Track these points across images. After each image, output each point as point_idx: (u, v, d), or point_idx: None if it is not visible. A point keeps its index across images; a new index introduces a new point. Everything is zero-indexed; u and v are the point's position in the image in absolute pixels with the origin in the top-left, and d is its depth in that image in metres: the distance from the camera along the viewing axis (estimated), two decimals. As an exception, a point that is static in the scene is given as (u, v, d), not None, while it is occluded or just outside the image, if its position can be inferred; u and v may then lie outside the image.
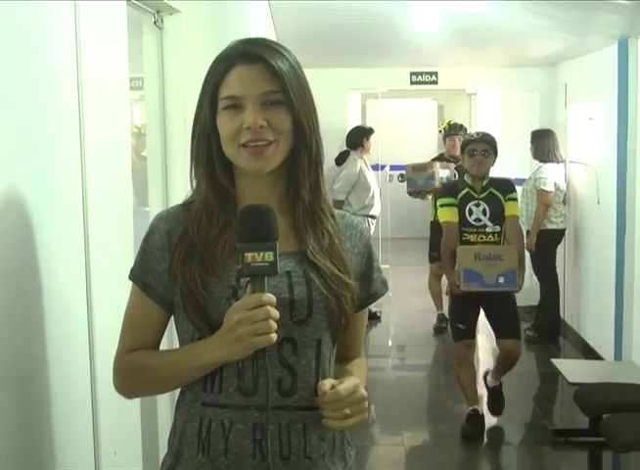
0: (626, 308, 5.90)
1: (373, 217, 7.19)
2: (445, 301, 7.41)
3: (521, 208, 6.26)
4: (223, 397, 1.56)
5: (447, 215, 4.94)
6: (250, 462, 1.54)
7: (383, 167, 10.64)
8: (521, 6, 5.71)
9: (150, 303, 1.62)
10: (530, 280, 7.05)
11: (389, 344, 7.41)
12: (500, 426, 5.21)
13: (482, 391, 5.25)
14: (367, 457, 4.83)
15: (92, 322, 1.97)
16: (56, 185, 1.78)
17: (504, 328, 4.89)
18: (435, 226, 6.91)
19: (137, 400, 2.32)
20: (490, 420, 5.13)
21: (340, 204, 6.98)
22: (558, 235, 7.01)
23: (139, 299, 1.64)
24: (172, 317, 1.66)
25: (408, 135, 12.04)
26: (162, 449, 1.69)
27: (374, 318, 7.59)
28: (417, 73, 9.36)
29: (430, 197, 7.34)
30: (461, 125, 7.77)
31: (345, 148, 7.46)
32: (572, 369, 5.20)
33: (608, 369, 5.61)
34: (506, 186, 4.97)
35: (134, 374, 1.63)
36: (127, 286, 1.67)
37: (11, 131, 1.54)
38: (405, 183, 7.46)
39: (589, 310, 6.84)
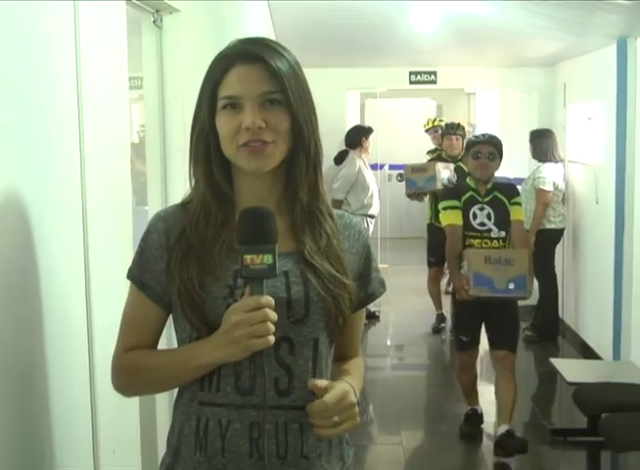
0: (625, 308, 5.90)
1: (372, 217, 7.19)
2: (445, 301, 7.43)
3: (519, 207, 6.25)
4: (220, 396, 1.56)
5: (451, 218, 4.73)
6: (246, 461, 1.55)
7: (381, 167, 10.64)
8: (520, 6, 5.71)
9: (148, 302, 1.62)
10: (529, 280, 7.05)
11: (388, 343, 7.41)
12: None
13: (482, 390, 5.24)
14: (365, 457, 4.83)
15: (91, 321, 1.97)
16: (55, 184, 1.78)
17: (498, 338, 4.73)
18: (433, 229, 6.87)
19: (136, 399, 2.32)
20: (488, 419, 5.13)
21: (338, 203, 6.97)
22: (557, 235, 7.02)
23: (137, 298, 1.64)
24: (171, 316, 1.66)
25: (407, 135, 12.03)
26: (161, 448, 1.69)
27: (373, 318, 7.59)
28: (416, 73, 9.36)
29: (426, 199, 7.27)
30: (458, 124, 7.48)
31: (344, 147, 7.46)
32: (571, 369, 5.20)
33: (606, 369, 5.61)
34: (510, 190, 4.81)
35: (132, 373, 1.64)
36: (126, 285, 1.67)
37: (10, 131, 1.54)
38: (404, 183, 7.32)
39: (588, 310, 6.85)
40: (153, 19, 2.97)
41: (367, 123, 9.00)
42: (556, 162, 7.02)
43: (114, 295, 1.97)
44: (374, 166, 8.53)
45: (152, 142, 3.12)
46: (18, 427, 1.56)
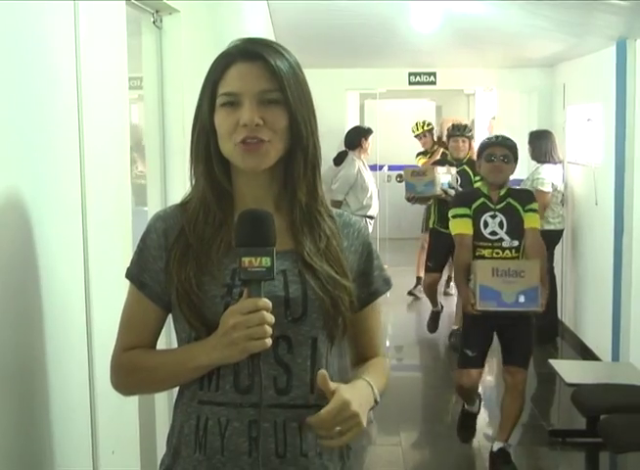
0: (624, 309, 5.91)
1: (371, 218, 7.18)
2: (445, 303, 7.37)
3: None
4: (220, 394, 1.57)
5: (461, 227, 4.42)
6: (245, 460, 1.55)
7: (381, 168, 10.66)
8: (519, 7, 5.71)
9: (146, 301, 1.63)
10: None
11: (387, 344, 7.40)
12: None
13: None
14: (365, 457, 4.83)
15: (90, 320, 1.97)
16: (55, 184, 1.79)
17: (512, 356, 4.43)
18: (436, 234, 6.77)
19: (135, 399, 2.32)
20: (485, 418, 5.13)
21: (338, 204, 6.96)
22: (556, 236, 7.01)
23: (136, 297, 1.64)
24: (170, 316, 1.66)
25: (406, 136, 12.00)
26: (160, 448, 1.69)
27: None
28: (415, 74, 9.38)
29: (430, 202, 7.13)
30: (465, 126, 7.20)
31: (344, 148, 7.45)
32: (570, 370, 5.20)
33: (605, 370, 5.62)
34: (526, 196, 4.51)
35: (131, 373, 1.64)
36: (125, 284, 1.67)
37: (10, 130, 1.54)
38: (404, 185, 7.20)
39: (587, 311, 6.85)
40: (152, 19, 2.98)
41: (366, 124, 8.99)
42: (555, 163, 7.02)
43: (113, 293, 1.97)
44: (373, 167, 8.53)
45: (151, 142, 3.12)
46: (17, 426, 1.56)
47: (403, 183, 7.28)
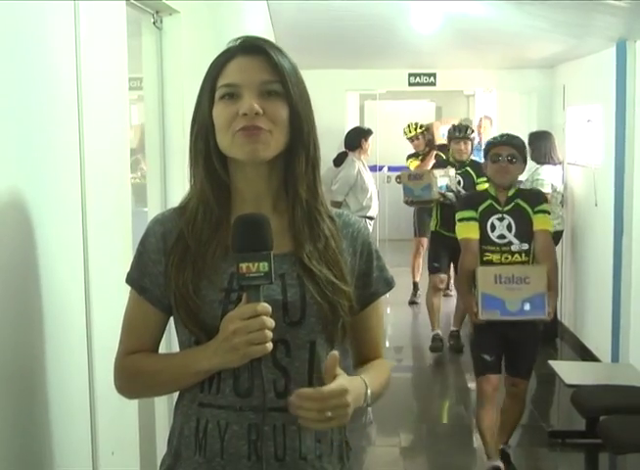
0: (624, 310, 5.90)
1: (371, 218, 7.17)
2: (444, 318, 7.22)
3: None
4: (220, 398, 1.56)
5: (466, 232, 4.20)
6: (245, 463, 1.55)
7: (381, 169, 10.67)
8: (519, 8, 5.71)
9: (147, 305, 1.62)
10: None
11: (387, 345, 7.40)
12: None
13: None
14: (364, 458, 4.83)
15: (90, 322, 1.97)
16: (55, 184, 1.78)
17: (516, 365, 4.26)
18: (438, 237, 6.70)
19: (135, 401, 2.32)
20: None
21: (338, 205, 6.95)
22: (555, 237, 6.99)
23: (136, 302, 1.64)
24: (171, 319, 1.66)
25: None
26: (160, 450, 1.69)
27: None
28: (415, 75, 9.38)
29: (432, 205, 6.93)
30: (467, 127, 6.98)
31: (344, 149, 7.45)
32: (570, 371, 5.20)
33: (605, 371, 5.62)
34: (536, 197, 4.30)
35: (133, 377, 1.64)
36: (126, 285, 1.67)
37: (11, 131, 1.54)
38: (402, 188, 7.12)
39: (587, 312, 6.85)
40: (153, 20, 2.98)
41: (366, 125, 8.98)
42: (554, 164, 7.01)
43: (113, 295, 1.97)
44: (373, 168, 8.54)
45: (151, 143, 3.12)
46: (16, 427, 1.55)
47: (401, 176, 7.23)
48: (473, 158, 6.95)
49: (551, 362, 5.52)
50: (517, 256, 4.12)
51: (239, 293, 1.51)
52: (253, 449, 1.54)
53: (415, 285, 8.49)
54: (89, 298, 1.97)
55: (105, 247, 2.09)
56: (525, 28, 6.57)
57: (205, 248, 1.58)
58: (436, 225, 6.79)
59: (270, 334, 1.46)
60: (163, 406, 2.92)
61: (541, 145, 7.03)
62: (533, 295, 3.99)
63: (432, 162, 8.16)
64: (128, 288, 1.65)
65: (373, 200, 7.21)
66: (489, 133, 8.53)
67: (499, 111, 9.56)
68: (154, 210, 2.99)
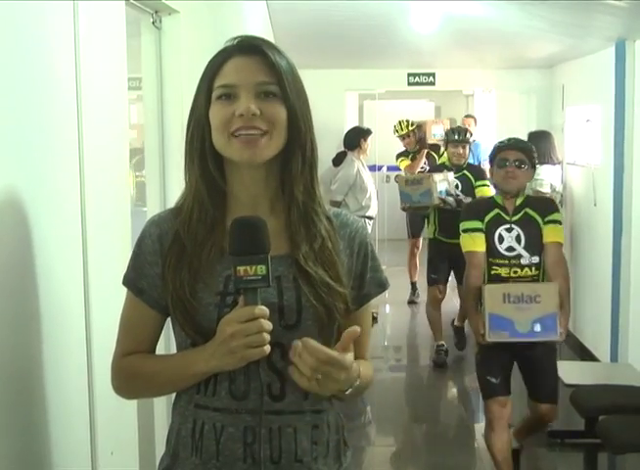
0: (622, 310, 5.91)
1: (370, 218, 7.17)
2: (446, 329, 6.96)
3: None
4: (216, 400, 1.56)
5: (472, 244, 3.91)
6: (240, 465, 1.55)
7: (380, 168, 10.65)
8: (518, 8, 5.72)
9: (144, 307, 1.62)
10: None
11: (385, 344, 7.41)
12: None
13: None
14: (363, 458, 4.83)
15: (90, 322, 1.97)
16: (54, 184, 1.78)
17: (539, 389, 3.94)
18: (435, 244, 6.41)
19: (134, 401, 2.32)
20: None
21: (337, 205, 6.94)
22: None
23: (133, 303, 1.64)
24: (169, 319, 1.66)
25: (405, 136, 12.03)
26: (159, 449, 1.69)
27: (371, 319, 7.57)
28: (414, 75, 9.38)
29: (429, 210, 6.58)
30: (465, 130, 6.56)
31: (343, 149, 7.46)
32: (569, 371, 5.19)
33: (604, 371, 5.62)
34: (546, 206, 3.98)
35: (130, 378, 1.64)
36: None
37: (10, 131, 1.54)
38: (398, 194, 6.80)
39: (585, 312, 6.85)
40: (152, 20, 2.98)
41: (365, 125, 8.98)
42: (554, 164, 7.02)
43: (112, 295, 1.96)
44: (372, 168, 8.51)
45: (150, 143, 3.12)
46: (16, 428, 1.55)
47: (397, 181, 6.97)
48: (469, 161, 6.64)
49: (550, 362, 5.51)
50: (526, 269, 3.85)
51: (234, 296, 1.51)
52: (249, 452, 1.54)
53: (413, 285, 8.49)
54: (88, 297, 1.97)
55: (104, 247, 2.09)
56: (524, 28, 6.58)
57: (200, 248, 1.57)
58: (434, 232, 6.44)
59: (268, 337, 1.46)
60: (162, 406, 2.92)
61: (540, 145, 7.01)
62: (544, 315, 3.71)
63: (422, 161, 8.11)
64: (126, 290, 1.65)
65: (372, 199, 7.21)
66: (473, 132, 8.36)
67: (498, 111, 9.57)
68: (153, 209, 2.99)
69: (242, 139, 1.52)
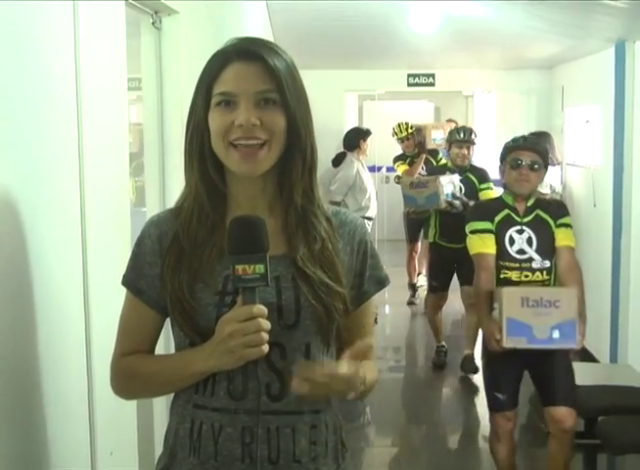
0: (622, 311, 5.91)
1: (369, 219, 7.17)
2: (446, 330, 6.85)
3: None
4: (214, 400, 1.56)
5: (481, 246, 3.74)
6: (238, 466, 1.54)
7: (379, 169, 10.65)
8: (518, 8, 5.72)
9: (143, 307, 1.62)
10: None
11: (385, 345, 7.40)
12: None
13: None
14: (362, 458, 4.82)
15: (89, 322, 1.97)
16: (54, 184, 1.79)
17: (555, 394, 3.71)
18: (437, 249, 6.22)
19: (133, 401, 2.32)
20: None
21: (336, 205, 6.88)
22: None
23: (133, 303, 1.64)
24: (168, 319, 1.66)
25: (405, 137, 12.03)
26: (158, 450, 1.69)
27: (370, 320, 7.55)
28: (414, 75, 9.39)
29: (428, 213, 6.38)
30: (470, 130, 6.27)
31: (342, 149, 7.45)
32: (568, 371, 5.19)
33: (603, 372, 5.61)
34: (558, 208, 3.84)
35: (129, 378, 1.64)
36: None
37: (9, 131, 1.54)
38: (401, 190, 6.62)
39: (585, 313, 6.84)
40: (152, 20, 2.98)
41: (365, 125, 8.96)
42: (553, 164, 7.00)
43: (111, 295, 1.96)
44: (371, 168, 8.51)
45: (150, 143, 3.12)
46: (15, 428, 1.55)
47: (401, 183, 6.80)
48: (472, 163, 6.38)
49: (550, 363, 5.50)
50: (537, 274, 3.70)
51: (233, 296, 1.51)
52: (247, 452, 1.54)
53: (413, 286, 8.48)
54: (88, 298, 1.97)
55: (103, 247, 2.09)
56: (524, 29, 6.58)
57: (200, 250, 1.57)
58: (435, 235, 6.23)
59: (266, 336, 1.46)
60: (162, 406, 2.91)
61: (540, 146, 7.03)
62: (563, 321, 3.54)
63: (420, 166, 8.00)
64: (125, 291, 1.65)
65: (372, 200, 7.21)
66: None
67: (498, 111, 9.57)
68: (152, 210, 2.99)
69: (241, 151, 1.52)
